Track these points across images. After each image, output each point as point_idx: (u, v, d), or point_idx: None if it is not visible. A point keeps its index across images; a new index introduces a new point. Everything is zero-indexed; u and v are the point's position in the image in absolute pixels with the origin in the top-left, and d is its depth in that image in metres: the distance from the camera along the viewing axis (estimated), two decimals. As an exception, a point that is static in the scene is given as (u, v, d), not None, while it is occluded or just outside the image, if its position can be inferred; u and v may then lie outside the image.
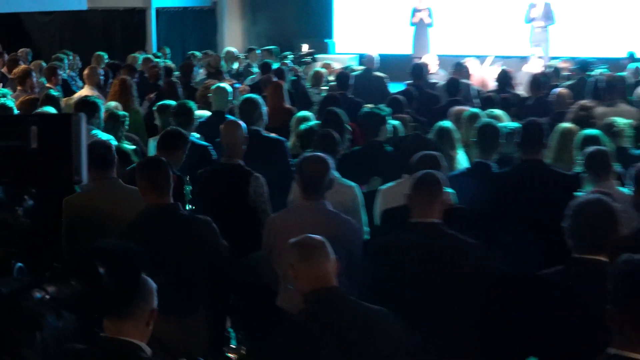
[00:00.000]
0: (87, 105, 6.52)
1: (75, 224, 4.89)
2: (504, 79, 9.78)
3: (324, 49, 17.24)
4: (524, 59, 14.95)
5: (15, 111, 6.90)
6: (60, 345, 1.50)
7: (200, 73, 11.72)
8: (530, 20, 15.21)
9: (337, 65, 13.11)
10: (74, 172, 1.60)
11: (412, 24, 15.66)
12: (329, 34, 18.21)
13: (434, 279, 3.93)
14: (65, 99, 8.25)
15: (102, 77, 9.15)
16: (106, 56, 11.92)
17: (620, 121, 6.42)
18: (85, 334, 2.38)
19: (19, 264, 1.55)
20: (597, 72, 10.69)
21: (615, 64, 12.39)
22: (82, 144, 1.60)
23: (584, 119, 6.73)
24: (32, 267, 2.05)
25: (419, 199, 4.07)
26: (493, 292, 4.02)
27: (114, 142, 6.20)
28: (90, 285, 1.47)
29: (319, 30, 18.03)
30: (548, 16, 15.16)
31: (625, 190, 4.87)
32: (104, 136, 6.21)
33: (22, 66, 9.70)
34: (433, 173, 4.23)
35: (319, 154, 4.73)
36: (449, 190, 4.95)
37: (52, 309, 1.44)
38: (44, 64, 10.70)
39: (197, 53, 13.63)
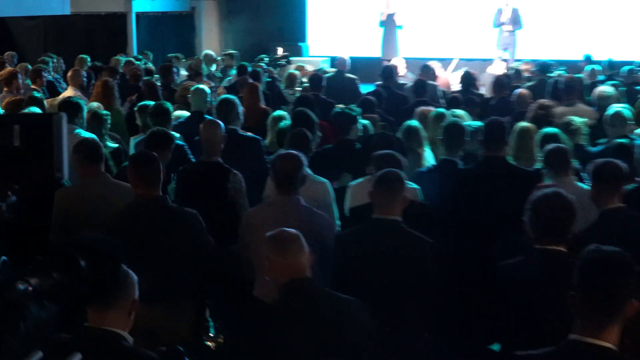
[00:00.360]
0: (70, 105, 6.49)
1: (66, 216, 4.89)
2: (468, 80, 9.82)
3: (297, 52, 17.23)
4: (486, 62, 15.05)
5: (1, 111, 6.84)
6: (43, 335, 1.49)
7: (181, 75, 11.67)
8: (498, 24, 15.29)
9: (310, 68, 13.11)
10: (55, 169, 1.59)
11: (381, 23, 15.64)
12: (302, 38, 18.20)
13: (391, 272, 3.99)
14: (49, 99, 8.20)
15: (85, 79, 9.10)
16: (89, 59, 11.86)
17: (577, 120, 6.49)
18: (67, 324, 2.37)
19: (3, 258, 1.54)
20: (556, 73, 10.78)
21: (573, 66, 12.51)
22: (63, 142, 1.60)
23: (543, 118, 6.78)
24: (16, 260, 2.04)
25: (381, 197, 4.11)
26: (443, 283, 4.08)
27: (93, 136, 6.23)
28: (71, 277, 1.47)
29: (293, 34, 18.01)
30: (516, 21, 15.26)
31: (583, 185, 4.93)
32: (87, 135, 6.18)
33: (8, 68, 9.64)
34: (395, 171, 4.26)
35: (292, 152, 4.74)
36: (416, 186, 4.99)
37: (35, 300, 1.43)
38: (29, 67, 10.62)
39: (180, 55, 13.56)
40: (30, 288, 1.41)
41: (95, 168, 5.01)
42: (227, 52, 14.12)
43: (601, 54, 12.71)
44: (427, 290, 4.03)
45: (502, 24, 15.18)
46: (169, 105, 6.85)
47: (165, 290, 3.97)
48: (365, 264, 4.03)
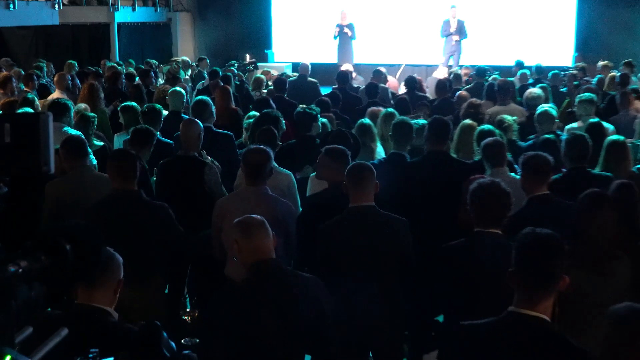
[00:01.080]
0: (58, 106, 6.42)
1: (56, 206, 4.87)
2: (411, 83, 9.84)
3: (264, 58, 17.17)
4: (430, 67, 15.17)
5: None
6: (32, 312, 1.47)
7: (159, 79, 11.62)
8: (446, 34, 15.39)
9: (275, 72, 13.06)
10: (42, 163, 1.57)
11: (335, 37, 15.67)
12: (268, 46, 18.12)
13: (374, 250, 4.02)
14: (41, 100, 8.07)
15: (70, 82, 8.98)
16: (76, 64, 11.69)
17: (509, 118, 6.55)
18: (54, 302, 2.35)
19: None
20: (491, 77, 10.88)
21: (506, 70, 12.62)
22: (50, 139, 1.58)
23: (473, 115, 6.83)
24: (7, 244, 2.01)
25: (354, 187, 4.11)
26: (413, 258, 4.13)
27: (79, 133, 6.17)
28: (58, 259, 1.45)
29: (259, 42, 17.93)
30: (462, 31, 15.38)
31: (516, 175, 4.98)
32: (74, 132, 6.12)
33: (3, 73, 9.48)
34: (363, 163, 4.29)
35: (260, 146, 4.73)
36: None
37: (24, 281, 1.42)
38: (22, 72, 10.45)
39: (154, 61, 13.43)
40: (20, 270, 1.39)
41: (81, 162, 5.00)
42: (201, 57, 14.06)
43: (530, 60, 12.84)
44: (405, 262, 4.07)
45: (450, 34, 15.30)
46: (160, 107, 6.79)
47: (137, 271, 3.95)
48: (349, 249, 4.03)
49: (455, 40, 15.24)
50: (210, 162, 5.45)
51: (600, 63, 12.92)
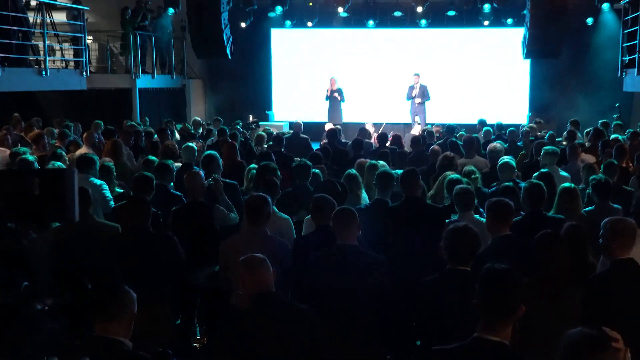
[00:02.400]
0: (85, 160, 6.42)
1: (57, 247, 4.69)
2: (382, 139, 9.82)
3: (265, 118, 17.28)
4: (407, 125, 15.29)
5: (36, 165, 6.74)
6: (56, 343, 1.44)
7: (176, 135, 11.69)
8: (410, 98, 15.57)
9: (274, 130, 13.12)
10: (67, 213, 1.56)
11: (327, 98, 15.81)
12: (269, 107, 18.26)
13: (354, 283, 3.98)
14: (69, 155, 8.06)
15: (96, 139, 8.98)
16: (102, 124, 11.70)
17: (474, 168, 6.57)
18: (77, 334, 2.30)
19: (25, 283, 1.49)
20: (458, 134, 10.95)
21: (471, 128, 12.73)
22: (74, 191, 1.57)
23: (447, 166, 6.85)
24: (34, 284, 1.98)
25: (340, 228, 4.11)
26: (389, 292, 4.08)
27: (105, 186, 6.13)
28: (80, 297, 1.43)
29: (261, 104, 18.06)
30: (424, 95, 15.56)
31: (482, 219, 4.97)
32: (98, 183, 6.12)
33: (36, 131, 9.47)
34: (348, 208, 4.28)
35: (261, 193, 4.74)
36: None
37: (50, 316, 1.39)
38: (54, 130, 10.45)
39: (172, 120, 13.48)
40: (46, 307, 1.37)
41: (82, 210, 4.82)
42: (216, 118, 14.10)
43: (491, 118, 12.97)
44: (381, 297, 4.02)
45: (413, 97, 15.47)
46: (170, 162, 6.77)
47: (144, 297, 3.92)
48: (333, 280, 4.00)
49: (418, 103, 15.41)
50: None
51: (534, 121, 13.23)
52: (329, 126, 13.00)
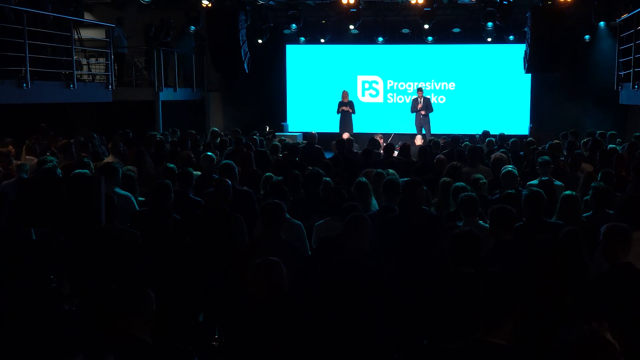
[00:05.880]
0: (108, 168, 6.40)
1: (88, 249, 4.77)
2: (388, 149, 9.80)
3: (280, 129, 17.30)
4: (414, 135, 15.26)
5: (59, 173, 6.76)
6: (83, 341, 1.45)
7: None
8: (415, 111, 15.55)
9: (289, 140, 13.13)
10: (94, 218, 1.57)
11: (337, 113, 15.83)
12: (284, 118, 18.30)
13: (362, 281, 3.90)
14: (95, 163, 8.10)
15: (121, 149, 9.02)
16: (130, 132, 11.77)
17: (479, 176, 6.55)
18: (101, 332, 2.31)
19: (54, 284, 1.51)
20: (463, 144, 10.91)
21: (475, 138, 12.68)
22: (101, 198, 1.58)
23: (454, 174, 6.83)
24: (67, 278, 1.99)
25: (352, 233, 4.11)
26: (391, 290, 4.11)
27: (132, 199, 6.17)
28: (104, 297, 1.44)
29: (277, 115, 18.10)
30: (428, 107, 15.52)
31: (485, 224, 4.94)
32: (122, 193, 6.14)
33: (64, 141, 9.53)
34: (360, 214, 4.28)
35: (276, 200, 4.74)
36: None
37: (76, 315, 1.40)
38: (81, 139, 10.48)
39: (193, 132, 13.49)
40: (73, 307, 1.38)
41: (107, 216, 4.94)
42: (234, 129, 14.14)
43: (495, 129, 12.92)
44: (384, 293, 4.03)
45: (418, 110, 15.44)
46: (191, 169, 6.78)
47: (164, 298, 3.94)
48: (343, 282, 3.91)
49: (422, 115, 15.38)
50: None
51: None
52: (346, 136, 13.02)
